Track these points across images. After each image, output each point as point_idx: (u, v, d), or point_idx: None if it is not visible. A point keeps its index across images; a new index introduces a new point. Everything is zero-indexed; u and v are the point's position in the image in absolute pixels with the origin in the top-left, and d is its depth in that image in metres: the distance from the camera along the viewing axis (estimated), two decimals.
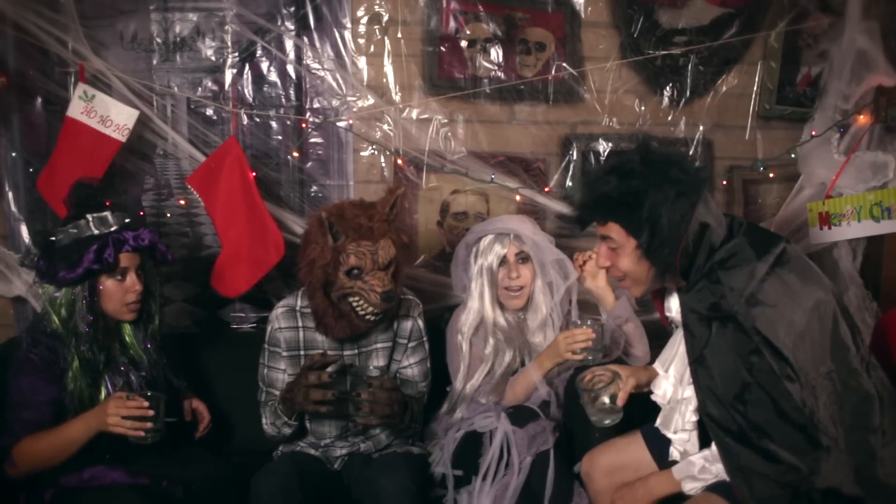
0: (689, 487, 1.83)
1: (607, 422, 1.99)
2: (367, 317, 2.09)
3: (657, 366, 1.92)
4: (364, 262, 2.04)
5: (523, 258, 2.39)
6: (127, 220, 2.09)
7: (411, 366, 2.30)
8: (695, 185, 1.71)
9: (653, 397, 1.92)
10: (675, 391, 1.86)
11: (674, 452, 1.90)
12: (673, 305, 1.89)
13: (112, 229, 2.05)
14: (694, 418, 1.83)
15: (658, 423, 1.93)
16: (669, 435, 1.90)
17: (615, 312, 2.34)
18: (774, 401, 1.63)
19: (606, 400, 1.96)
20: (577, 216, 1.87)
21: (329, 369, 2.07)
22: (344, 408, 2.07)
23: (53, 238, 2.04)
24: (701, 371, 1.73)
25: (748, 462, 1.66)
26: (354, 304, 2.08)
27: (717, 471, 1.78)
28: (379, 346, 2.26)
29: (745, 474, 1.67)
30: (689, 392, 1.81)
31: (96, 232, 2.03)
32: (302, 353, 2.24)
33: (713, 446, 1.79)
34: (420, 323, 2.30)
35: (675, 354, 1.85)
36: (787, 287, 1.67)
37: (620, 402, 1.96)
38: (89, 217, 2.04)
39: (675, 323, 1.89)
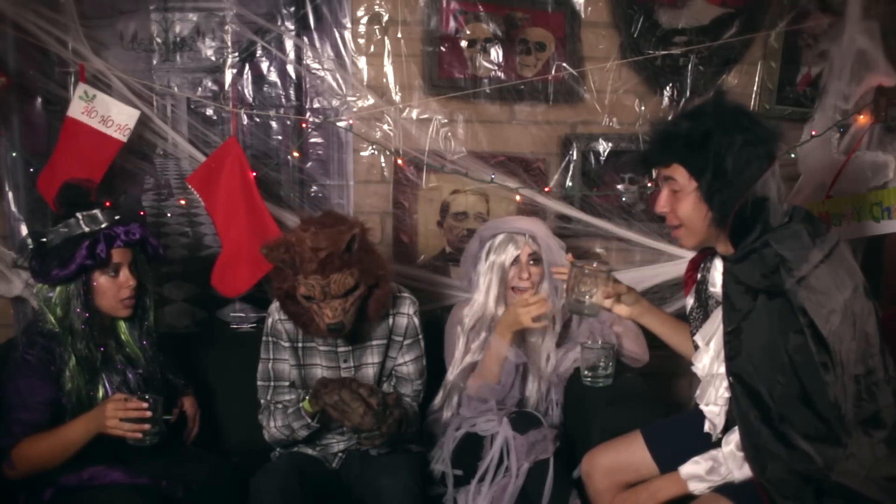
0: (696, 488, 1.82)
1: (584, 311, 2.08)
2: (328, 332, 2.08)
3: (698, 338, 1.91)
4: (314, 293, 2.02)
5: (535, 259, 2.40)
6: (117, 217, 2.09)
7: (406, 363, 2.30)
8: (764, 137, 1.69)
9: (693, 369, 1.92)
10: (712, 365, 1.86)
11: (707, 425, 1.90)
12: (717, 280, 1.88)
13: (103, 226, 2.05)
14: (727, 395, 1.82)
15: (696, 394, 1.94)
16: (702, 407, 1.89)
17: (601, 317, 2.36)
18: (804, 386, 1.62)
19: (586, 291, 2.04)
20: (643, 157, 1.87)
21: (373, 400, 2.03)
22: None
23: (45, 239, 2.04)
24: (735, 343, 1.72)
25: (765, 441, 1.66)
26: (315, 317, 2.09)
27: (726, 472, 1.78)
28: (374, 342, 2.26)
29: (760, 452, 1.67)
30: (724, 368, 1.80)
31: (87, 229, 2.04)
32: (300, 345, 2.24)
33: (724, 447, 1.79)
34: (415, 320, 2.30)
35: (717, 329, 1.84)
36: (837, 280, 1.66)
37: (600, 297, 2.04)
38: (79, 215, 2.04)
39: (716, 298, 1.89)
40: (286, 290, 2.06)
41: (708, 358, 1.87)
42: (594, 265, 2.09)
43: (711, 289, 1.91)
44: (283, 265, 2.02)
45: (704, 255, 1.98)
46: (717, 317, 1.85)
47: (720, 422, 1.85)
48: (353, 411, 1.98)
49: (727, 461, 1.78)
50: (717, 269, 1.88)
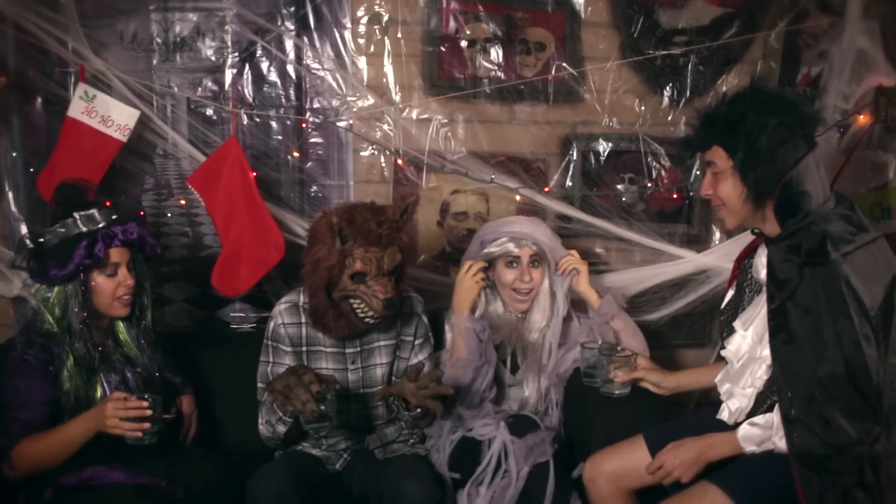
0: (747, 439, 1.84)
1: (615, 392, 2.18)
2: (367, 319, 2.09)
3: (737, 324, 1.95)
4: (369, 268, 2.04)
5: (536, 261, 2.39)
6: (114, 217, 2.09)
7: (421, 362, 2.31)
8: (800, 120, 1.77)
9: (723, 353, 1.98)
10: (752, 349, 1.90)
11: (723, 412, 1.94)
12: (761, 267, 1.91)
13: (100, 225, 2.05)
14: (765, 376, 1.86)
15: (718, 378, 1.99)
16: (737, 390, 1.92)
17: (602, 311, 2.39)
18: (847, 359, 1.67)
19: (613, 375, 2.16)
20: (686, 141, 1.97)
21: (327, 397, 1.98)
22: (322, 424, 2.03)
23: (42, 240, 2.04)
24: (779, 320, 1.77)
25: (798, 415, 1.71)
26: (355, 305, 2.08)
27: (776, 439, 1.80)
28: (381, 343, 2.26)
29: (794, 424, 1.71)
30: (767, 351, 1.83)
31: (84, 229, 2.03)
32: (304, 349, 2.23)
33: (776, 415, 1.80)
34: (424, 319, 2.32)
35: (758, 315, 1.89)
36: (878, 264, 1.73)
37: (619, 379, 2.17)
38: (76, 215, 2.04)
39: (759, 283, 1.93)
40: (329, 274, 2.04)
41: (745, 343, 1.92)
42: (619, 349, 2.23)
43: (755, 275, 1.96)
44: (341, 235, 2.03)
45: (750, 250, 2.02)
46: (758, 302, 1.89)
47: (748, 405, 1.89)
48: (296, 398, 1.94)
49: (776, 428, 1.80)
50: (761, 257, 1.93)
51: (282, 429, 2.12)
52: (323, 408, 1.93)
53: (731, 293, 2.06)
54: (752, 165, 1.77)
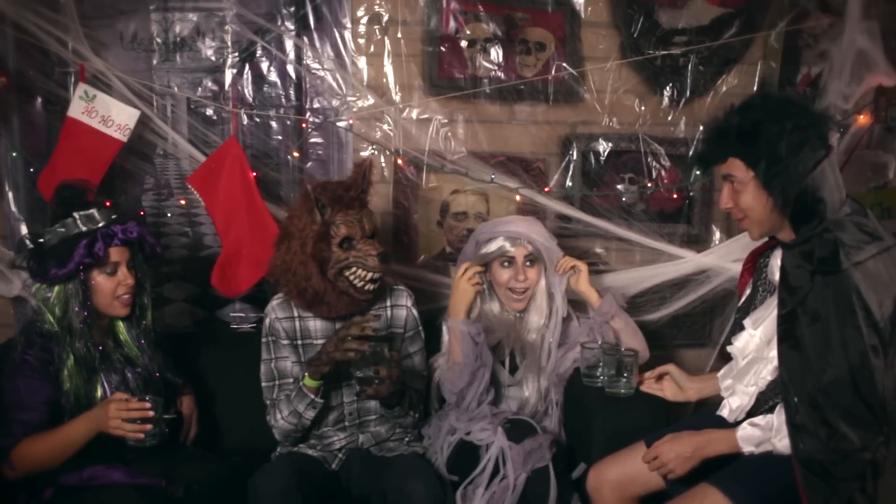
0: (745, 441, 1.84)
1: (621, 392, 2.19)
2: (366, 286, 2.14)
3: (747, 322, 1.94)
4: (354, 231, 2.12)
5: (531, 260, 2.40)
6: (114, 216, 2.09)
7: (411, 355, 2.32)
8: (813, 121, 1.75)
9: (729, 348, 1.97)
10: (760, 349, 1.90)
11: (724, 409, 1.95)
12: (775, 266, 1.91)
13: (100, 225, 2.05)
14: (769, 377, 1.86)
15: (721, 373, 1.99)
16: (728, 383, 1.93)
17: (602, 310, 2.39)
18: (853, 368, 1.66)
19: (623, 377, 2.17)
20: (699, 156, 1.93)
21: (371, 324, 2.08)
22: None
23: (42, 239, 2.04)
24: (787, 326, 1.76)
25: (804, 420, 1.71)
26: (351, 276, 2.13)
27: (775, 440, 1.81)
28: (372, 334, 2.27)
29: (799, 430, 1.72)
30: (775, 353, 1.83)
31: (84, 229, 2.04)
32: (299, 342, 2.25)
33: (776, 416, 1.80)
34: (415, 312, 2.33)
35: (769, 316, 1.88)
36: (890, 274, 1.71)
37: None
38: (76, 215, 2.04)
39: (773, 284, 1.93)
40: (320, 249, 2.10)
41: (753, 342, 1.91)
42: (623, 349, 2.22)
43: (769, 276, 1.95)
44: (319, 205, 2.11)
45: (764, 248, 2.02)
46: (770, 303, 1.89)
47: (749, 403, 1.89)
48: (349, 348, 2.02)
49: (776, 430, 1.80)
50: (776, 259, 1.92)
51: (311, 413, 2.16)
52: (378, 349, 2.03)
53: (748, 291, 2.06)
54: (776, 173, 1.74)
